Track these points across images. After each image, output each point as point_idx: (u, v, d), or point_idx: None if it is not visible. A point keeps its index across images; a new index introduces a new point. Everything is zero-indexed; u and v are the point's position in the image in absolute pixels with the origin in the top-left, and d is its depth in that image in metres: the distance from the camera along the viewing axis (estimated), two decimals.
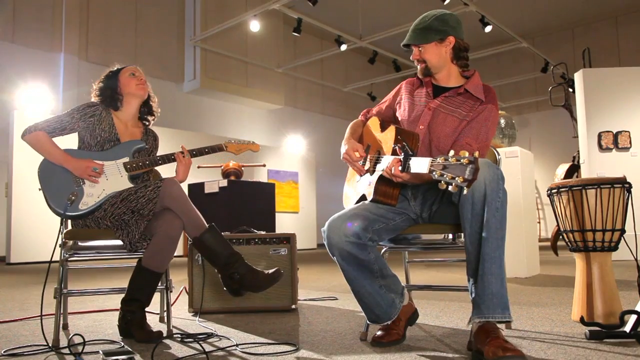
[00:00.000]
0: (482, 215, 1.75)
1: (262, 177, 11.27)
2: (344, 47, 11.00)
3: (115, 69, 2.53)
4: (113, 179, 2.32)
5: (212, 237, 2.26)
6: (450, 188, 1.48)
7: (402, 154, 1.75)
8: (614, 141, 6.58)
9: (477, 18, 9.95)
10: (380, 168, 1.92)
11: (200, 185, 4.98)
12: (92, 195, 2.28)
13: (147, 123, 2.60)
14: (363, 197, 2.08)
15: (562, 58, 11.32)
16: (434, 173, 1.53)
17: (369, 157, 2.10)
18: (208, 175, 7.64)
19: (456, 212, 1.91)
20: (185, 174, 2.43)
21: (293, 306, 2.87)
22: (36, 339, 2.23)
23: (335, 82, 14.52)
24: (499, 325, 1.78)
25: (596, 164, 6.54)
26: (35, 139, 2.31)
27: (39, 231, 7.78)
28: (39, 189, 2.29)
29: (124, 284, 2.32)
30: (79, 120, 2.36)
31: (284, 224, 11.01)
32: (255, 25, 10.54)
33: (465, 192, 1.45)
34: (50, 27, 9.58)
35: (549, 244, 6.93)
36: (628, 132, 6.57)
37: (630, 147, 6.56)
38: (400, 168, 1.74)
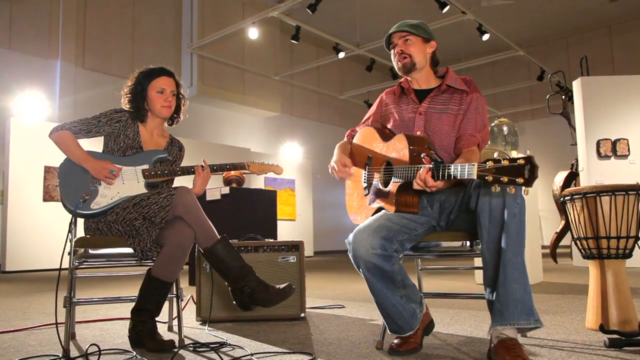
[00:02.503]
0: (500, 221, 1.75)
1: (259, 184, 11.24)
2: (341, 55, 11.04)
3: (148, 72, 2.45)
4: (130, 183, 2.32)
5: (223, 249, 2.23)
6: (508, 190, 1.49)
7: (432, 162, 1.74)
8: (613, 149, 6.62)
9: (475, 27, 10.02)
10: (397, 179, 1.91)
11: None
12: (106, 196, 2.27)
13: (168, 124, 2.59)
14: (380, 209, 2.06)
15: (556, 67, 11.40)
16: (486, 177, 1.53)
17: (376, 169, 2.09)
18: (209, 182, 7.62)
19: (473, 219, 1.90)
20: (202, 187, 2.40)
21: (302, 314, 2.84)
22: (44, 349, 2.19)
23: (331, 89, 14.55)
24: (518, 338, 1.76)
25: (595, 172, 6.56)
26: (59, 137, 2.32)
27: (35, 239, 7.70)
28: (56, 186, 2.28)
29: (129, 292, 2.28)
30: (105, 125, 2.37)
31: (281, 231, 10.93)
32: (253, 33, 10.55)
33: (524, 192, 1.47)
34: (47, 34, 9.53)
35: (547, 251, 6.94)
36: (626, 139, 6.60)
37: (629, 154, 6.59)
38: (433, 177, 1.73)
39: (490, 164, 1.55)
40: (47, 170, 7.94)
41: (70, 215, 2.29)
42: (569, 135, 8.39)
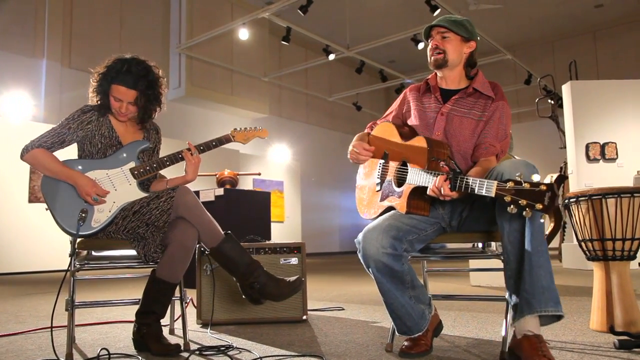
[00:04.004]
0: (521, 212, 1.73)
1: (248, 186, 11.18)
2: (332, 57, 11.02)
3: (113, 72, 2.24)
4: (122, 188, 2.21)
5: (230, 247, 2.20)
6: (524, 213, 1.47)
7: (451, 172, 1.72)
8: (601, 152, 6.71)
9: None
10: (412, 181, 1.89)
11: (196, 194, 4.88)
12: (103, 210, 2.16)
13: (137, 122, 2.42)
14: (390, 208, 2.04)
15: (542, 71, 11.53)
16: (504, 197, 1.51)
17: (391, 167, 2.07)
18: (203, 184, 7.55)
19: (487, 217, 1.90)
20: (195, 173, 2.32)
21: (304, 317, 2.81)
22: (45, 353, 2.13)
23: (319, 91, 14.54)
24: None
25: (584, 175, 6.64)
26: (33, 157, 2.17)
27: (22, 241, 7.55)
28: (46, 209, 2.15)
29: (129, 294, 2.23)
30: (77, 130, 2.24)
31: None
32: (244, 34, 10.50)
33: (542, 219, 1.45)
34: (33, 32, 9.36)
35: None
36: (614, 143, 6.70)
37: (617, 158, 6.69)
38: (449, 187, 1.71)
39: (510, 184, 1.54)
40: (33, 171, 7.80)
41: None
42: (556, 139, 8.50)
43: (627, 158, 6.67)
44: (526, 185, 1.50)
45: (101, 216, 2.14)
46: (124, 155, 2.27)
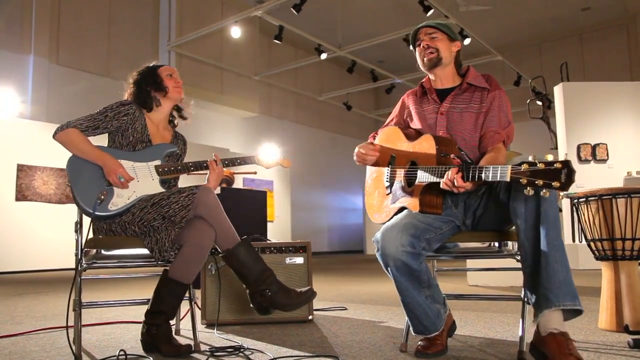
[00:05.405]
0: (536, 209, 1.73)
1: (238, 185, 11.10)
2: (324, 56, 11.00)
3: (152, 65, 2.44)
4: (144, 181, 2.23)
5: (245, 251, 2.17)
6: (542, 193, 1.46)
7: (462, 163, 1.72)
8: (592, 153, 6.79)
9: (456, 31, 10.14)
10: (423, 178, 1.88)
11: None
12: (122, 196, 2.16)
13: (173, 125, 2.53)
14: (402, 210, 2.03)
15: (530, 72, 11.63)
16: (519, 180, 1.50)
17: (400, 168, 2.06)
18: (199, 183, 7.47)
19: (502, 215, 1.89)
20: (217, 183, 2.36)
21: (310, 317, 2.79)
22: (50, 355, 2.08)
23: (309, 91, 14.51)
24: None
25: (575, 176, 6.71)
26: (67, 135, 2.19)
27: (11, 240, 7.41)
28: (68, 184, 2.15)
29: (132, 294, 2.19)
30: (112, 120, 2.26)
31: None
32: (236, 32, 10.45)
33: (560, 196, 1.44)
34: (19, 27, 9.19)
35: None
36: (605, 144, 6.79)
37: (608, 159, 6.78)
38: (463, 178, 1.70)
39: (525, 166, 1.54)
40: (20, 168, 7.65)
41: (77, 216, 2.17)
42: (546, 140, 8.58)
43: (617, 159, 6.76)
44: (541, 166, 1.50)
45: (119, 201, 2.14)
46: (152, 152, 2.32)
